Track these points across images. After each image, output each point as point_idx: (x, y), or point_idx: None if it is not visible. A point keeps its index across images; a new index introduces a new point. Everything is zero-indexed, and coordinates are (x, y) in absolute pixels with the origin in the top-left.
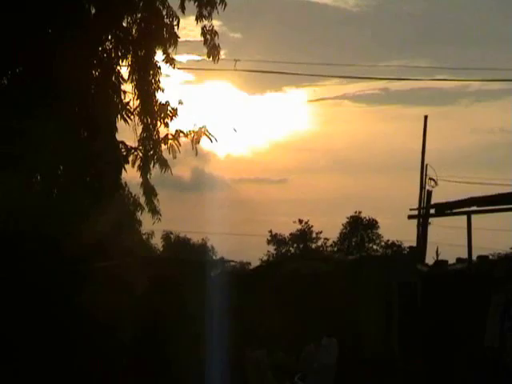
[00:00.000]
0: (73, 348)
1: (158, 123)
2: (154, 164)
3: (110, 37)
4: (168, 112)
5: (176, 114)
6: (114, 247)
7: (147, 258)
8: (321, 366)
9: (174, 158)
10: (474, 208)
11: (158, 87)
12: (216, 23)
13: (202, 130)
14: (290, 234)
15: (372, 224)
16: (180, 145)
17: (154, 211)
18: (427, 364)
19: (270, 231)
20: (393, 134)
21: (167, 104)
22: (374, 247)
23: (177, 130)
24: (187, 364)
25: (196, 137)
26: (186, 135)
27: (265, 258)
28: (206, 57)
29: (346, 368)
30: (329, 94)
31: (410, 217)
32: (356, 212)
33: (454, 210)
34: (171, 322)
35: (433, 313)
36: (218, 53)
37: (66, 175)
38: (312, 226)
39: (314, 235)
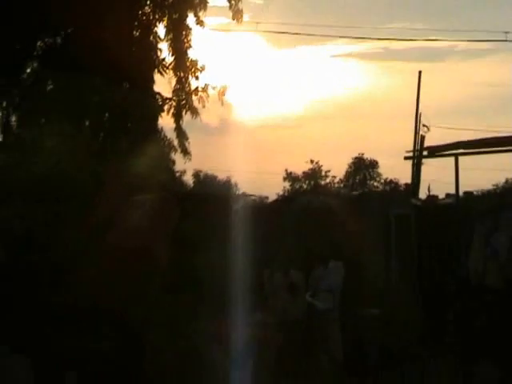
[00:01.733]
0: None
1: (190, 77)
2: (186, 112)
3: (148, 2)
4: (198, 67)
5: (204, 68)
6: (151, 183)
7: (180, 192)
8: (328, 286)
9: (203, 107)
10: (461, 151)
11: (190, 45)
12: None
13: (226, 86)
14: (303, 173)
15: (373, 164)
16: (208, 95)
17: (186, 152)
18: (420, 285)
19: (286, 170)
20: (392, 86)
21: (197, 60)
22: (375, 184)
23: (206, 84)
24: (216, 283)
25: (222, 90)
26: (213, 88)
27: (281, 193)
28: (231, 19)
29: (351, 290)
30: (338, 52)
31: (406, 158)
32: (359, 154)
33: (444, 152)
34: (202, 247)
35: (425, 240)
36: (242, 16)
37: (111, 121)
38: (322, 166)
39: (323, 173)
